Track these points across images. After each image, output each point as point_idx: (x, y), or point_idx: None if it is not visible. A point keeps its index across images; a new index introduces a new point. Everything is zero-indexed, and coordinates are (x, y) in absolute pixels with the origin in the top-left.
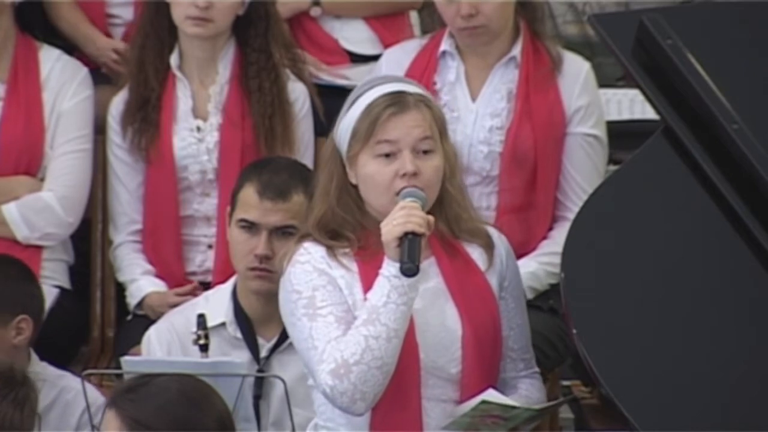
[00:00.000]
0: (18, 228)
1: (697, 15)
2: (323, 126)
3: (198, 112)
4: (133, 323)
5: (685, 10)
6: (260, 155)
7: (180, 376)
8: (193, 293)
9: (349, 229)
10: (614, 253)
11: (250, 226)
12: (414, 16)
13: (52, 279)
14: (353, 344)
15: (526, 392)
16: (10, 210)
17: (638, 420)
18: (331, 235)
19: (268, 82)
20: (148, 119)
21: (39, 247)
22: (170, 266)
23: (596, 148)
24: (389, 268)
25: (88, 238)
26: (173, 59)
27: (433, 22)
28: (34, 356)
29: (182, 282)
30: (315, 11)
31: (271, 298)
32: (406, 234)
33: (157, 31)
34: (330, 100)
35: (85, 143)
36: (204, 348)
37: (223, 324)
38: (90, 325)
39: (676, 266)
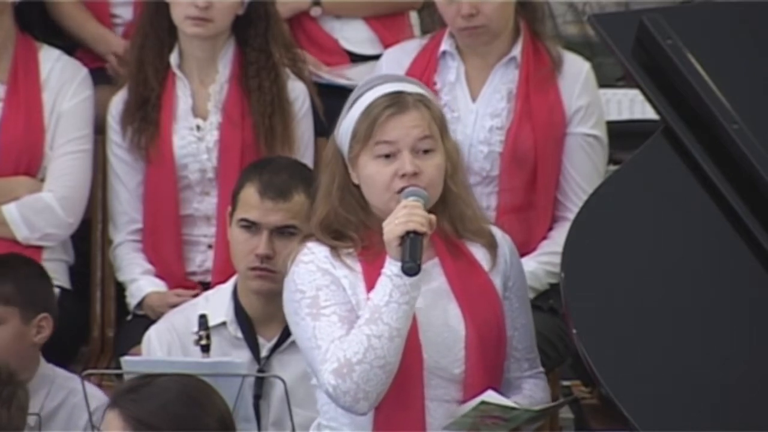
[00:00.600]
0: (18, 228)
1: (697, 15)
2: (323, 125)
3: (198, 111)
4: (133, 323)
5: (685, 10)
6: (260, 154)
7: (181, 376)
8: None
9: (353, 229)
10: (614, 253)
11: (251, 226)
12: (414, 16)
13: (53, 279)
14: (356, 343)
15: (529, 392)
16: (10, 210)
17: (638, 420)
18: (335, 236)
19: (268, 81)
20: (148, 118)
21: (39, 248)
22: (170, 266)
23: (596, 149)
24: (391, 267)
25: (88, 238)
26: (173, 58)
27: (433, 22)
28: (42, 358)
29: (182, 282)
30: (315, 11)
31: (271, 297)
32: (407, 233)
33: (156, 31)
34: (330, 99)
35: (85, 144)
36: (206, 348)
37: (223, 324)
38: (90, 325)
39: (676, 266)
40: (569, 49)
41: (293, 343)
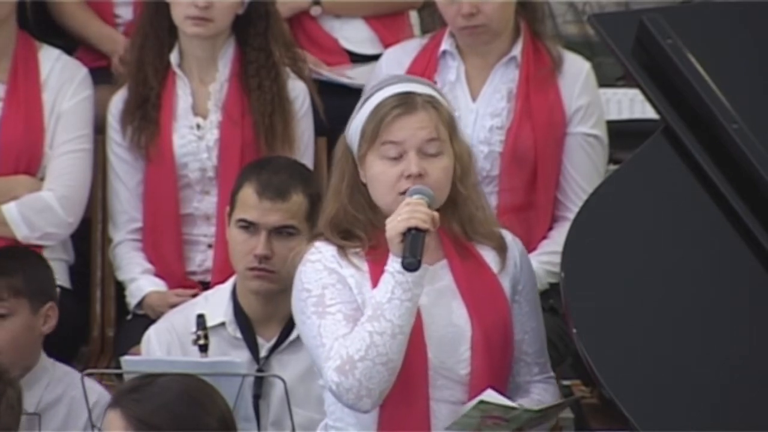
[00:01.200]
0: (18, 228)
1: (697, 15)
2: (323, 125)
3: (198, 110)
4: (133, 323)
5: (685, 10)
6: (260, 153)
7: (183, 376)
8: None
9: (361, 228)
10: (614, 253)
11: (249, 226)
12: (414, 16)
13: None
14: (358, 340)
15: (538, 396)
16: (10, 210)
17: (638, 420)
18: (343, 235)
19: (268, 80)
20: (148, 117)
21: (39, 247)
22: (170, 265)
23: (596, 148)
24: (393, 264)
25: (88, 238)
26: (173, 57)
27: (433, 22)
28: (42, 352)
29: (182, 281)
30: (315, 10)
31: (270, 298)
32: (409, 229)
33: (156, 31)
34: (330, 98)
35: (84, 143)
36: (203, 348)
37: (222, 324)
38: (90, 324)
39: (676, 266)
40: (569, 48)
41: (292, 343)
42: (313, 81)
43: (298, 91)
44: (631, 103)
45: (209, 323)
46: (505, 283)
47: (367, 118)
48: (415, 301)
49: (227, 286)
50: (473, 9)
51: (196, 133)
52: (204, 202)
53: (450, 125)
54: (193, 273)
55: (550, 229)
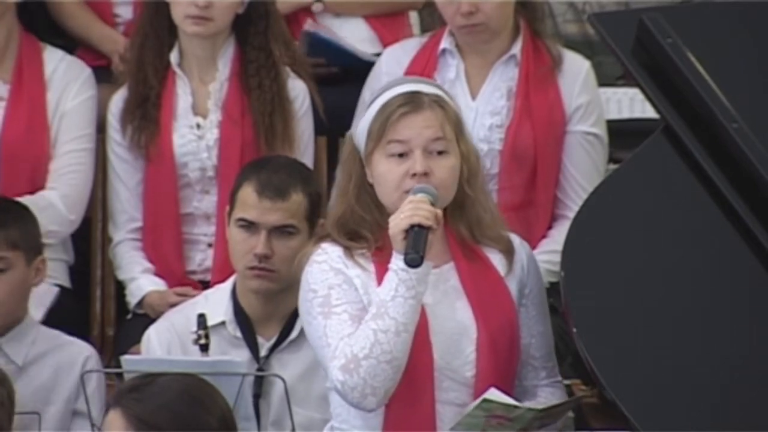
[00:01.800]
0: None
1: (697, 15)
2: (323, 124)
3: (198, 110)
4: (133, 322)
5: (685, 9)
6: (260, 153)
7: (183, 376)
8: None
9: (367, 229)
10: (614, 252)
11: (249, 226)
12: (414, 16)
13: (52, 278)
14: (362, 339)
15: (544, 400)
16: None
17: (638, 420)
18: (350, 236)
19: (268, 80)
20: (148, 116)
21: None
22: (170, 264)
23: (596, 147)
24: (397, 261)
25: (88, 237)
26: (173, 56)
27: (433, 22)
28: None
29: (182, 280)
30: (317, 7)
31: (270, 297)
32: (412, 226)
33: (156, 31)
34: (331, 98)
35: (88, 142)
36: (204, 348)
37: (222, 323)
38: (90, 324)
39: (676, 265)
40: (569, 47)
41: (292, 342)
42: (311, 67)
43: (298, 91)
44: (631, 103)
45: (209, 322)
46: (512, 287)
47: (374, 117)
48: (419, 299)
49: (227, 285)
50: (472, 8)
51: (196, 132)
52: (204, 202)
53: (457, 125)
54: (193, 272)
55: (550, 227)
